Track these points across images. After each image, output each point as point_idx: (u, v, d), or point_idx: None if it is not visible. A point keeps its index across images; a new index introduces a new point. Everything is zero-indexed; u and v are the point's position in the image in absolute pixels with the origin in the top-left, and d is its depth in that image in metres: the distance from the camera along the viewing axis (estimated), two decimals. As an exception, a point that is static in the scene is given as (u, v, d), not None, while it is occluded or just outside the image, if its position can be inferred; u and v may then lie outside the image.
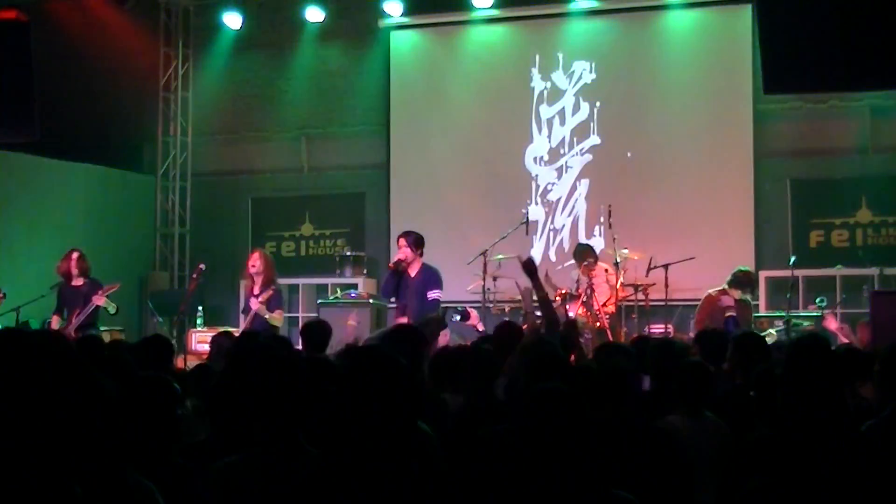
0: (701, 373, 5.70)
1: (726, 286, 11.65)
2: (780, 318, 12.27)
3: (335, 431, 3.33)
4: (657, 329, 13.21)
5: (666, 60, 14.94)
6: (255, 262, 11.59)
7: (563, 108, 15.31)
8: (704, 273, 12.57)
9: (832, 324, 9.59)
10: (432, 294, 10.73)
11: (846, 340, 8.81)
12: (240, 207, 16.89)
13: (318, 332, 7.85)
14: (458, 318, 9.71)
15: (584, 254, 12.75)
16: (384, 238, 15.73)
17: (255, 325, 11.04)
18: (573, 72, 15.28)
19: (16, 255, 13.53)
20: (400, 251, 10.99)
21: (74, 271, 11.80)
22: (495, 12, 15.50)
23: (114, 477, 3.37)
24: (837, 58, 8.13)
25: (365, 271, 15.56)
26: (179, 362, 10.13)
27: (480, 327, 9.41)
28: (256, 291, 11.41)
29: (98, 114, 15.75)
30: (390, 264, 11.11)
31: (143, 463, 3.65)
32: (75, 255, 11.90)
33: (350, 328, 10.23)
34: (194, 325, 14.55)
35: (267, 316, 11.19)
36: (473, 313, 9.43)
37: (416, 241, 11.00)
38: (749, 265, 14.14)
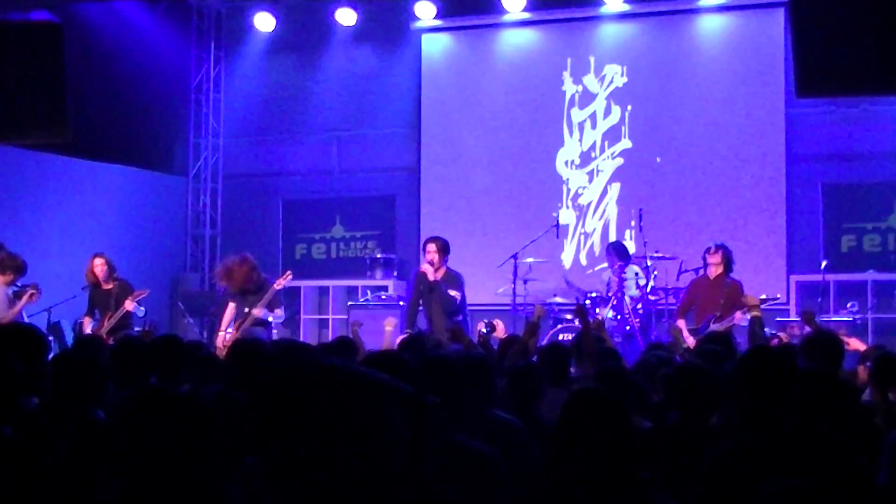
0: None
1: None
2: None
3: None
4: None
5: (697, 64, 14.88)
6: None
7: (595, 112, 15.26)
8: (735, 276, 12.51)
9: (857, 344, 9.35)
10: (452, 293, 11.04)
11: None
12: (271, 209, 16.92)
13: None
14: (486, 330, 9.50)
15: (621, 252, 12.77)
16: (414, 241, 15.71)
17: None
18: (605, 75, 15.23)
19: (48, 256, 13.58)
20: (428, 255, 11.16)
21: (102, 277, 11.79)
22: (527, 15, 15.46)
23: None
24: (871, 61, 8.06)
25: (395, 274, 15.56)
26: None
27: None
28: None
29: (130, 115, 15.83)
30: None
31: None
32: (99, 261, 11.79)
33: (386, 333, 10.12)
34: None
35: (270, 317, 11.41)
36: (500, 325, 9.21)
37: (444, 247, 11.18)
38: (780, 269, 14.10)
